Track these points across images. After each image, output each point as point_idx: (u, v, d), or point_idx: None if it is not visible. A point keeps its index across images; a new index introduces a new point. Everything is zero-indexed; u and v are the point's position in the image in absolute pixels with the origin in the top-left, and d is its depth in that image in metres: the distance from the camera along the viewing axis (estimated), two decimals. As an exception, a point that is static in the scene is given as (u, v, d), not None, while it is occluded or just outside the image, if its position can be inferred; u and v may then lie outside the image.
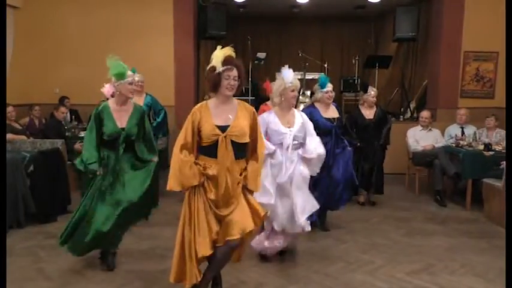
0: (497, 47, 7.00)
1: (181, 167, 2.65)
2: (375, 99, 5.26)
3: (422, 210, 5.25)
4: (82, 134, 6.37)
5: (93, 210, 3.26)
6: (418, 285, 3.26)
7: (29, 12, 6.99)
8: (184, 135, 2.70)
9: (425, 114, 6.13)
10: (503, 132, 5.96)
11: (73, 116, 6.94)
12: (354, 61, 9.49)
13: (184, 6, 7.25)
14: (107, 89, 4.16)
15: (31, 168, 4.53)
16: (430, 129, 6.09)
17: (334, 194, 4.25)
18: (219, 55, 2.69)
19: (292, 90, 3.42)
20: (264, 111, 4.04)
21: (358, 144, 5.04)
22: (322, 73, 4.70)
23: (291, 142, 3.40)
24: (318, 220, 4.15)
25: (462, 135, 5.93)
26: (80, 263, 3.56)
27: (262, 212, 2.81)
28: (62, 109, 5.93)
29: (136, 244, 3.99)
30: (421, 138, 5.96)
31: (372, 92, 5.27)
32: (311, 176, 3.59)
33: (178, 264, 2.76)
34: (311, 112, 4.27)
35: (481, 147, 5.38)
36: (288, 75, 3.43)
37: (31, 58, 7.05)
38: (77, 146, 5.89)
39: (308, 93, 7.49)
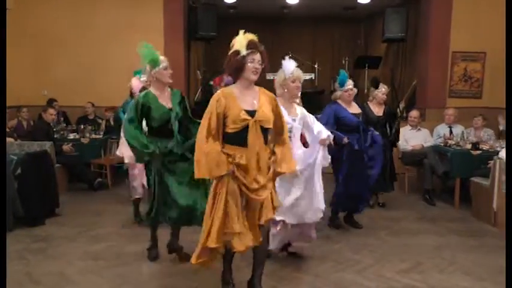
0: (485, 48, 7.09)
1: (209, 154, 2.58)
2: (385, 96, 5.12)
3: (412, 209, 5.29)
4: (71, 135, 6.33)
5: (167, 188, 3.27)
6: (407, 284, 3.28)
7: (19, 14, 6.92)
8: (208, 123, 2.61)
9: (414, 114, 6.17)
10: (490, 132, 6.03)
11: (62, 118, 6.89)
12: (344, 61, 9.55)
13: (175, 7, 7.24)
14: (136, 83, 4.25)
15: (18, 171, 4.47)
16: (419, 129, 6.14)
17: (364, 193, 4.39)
18: (242, 39, 2.64)
19: (293, 81, 3.37)
20: None
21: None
22: (342, 70, 4.59)
23: (299, 129, 3.40)
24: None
25: (450, 134, 5.98)
26: (68, 266, 3.53)
27: (277, 204, 2.83)
28: (51, 111, 5.87)
29: (124, 246, 3.97)
30: (410, 137, 6.01)
31: (383, 88, 5.09)
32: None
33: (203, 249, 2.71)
34: (336, 109, 4.27)
35: (469, 146, 5.44)
36: (289, 66, 3.41)
37: (19, 60, 6.98)
38: (66, 147, 5.87)
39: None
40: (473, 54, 7.16)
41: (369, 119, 4.94)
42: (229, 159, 2.61)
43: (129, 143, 3.28)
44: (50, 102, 6.79)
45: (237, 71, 2.65)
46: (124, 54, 7.02)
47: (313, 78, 9.19)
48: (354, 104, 4.41)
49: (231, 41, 2.71)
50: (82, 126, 6.35)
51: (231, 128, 2.63)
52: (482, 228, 4.59)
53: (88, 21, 7.14)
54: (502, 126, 6.07)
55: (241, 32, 2.67)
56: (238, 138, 2.63)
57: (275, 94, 3.08)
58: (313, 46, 11.20)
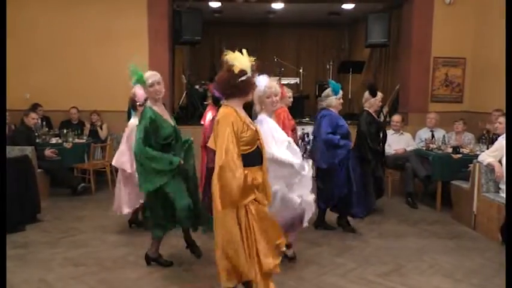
0: (465, 53, 7.24)
1: (243, 180, 2.49)
2: (381, 103, 5.13)
3: (394, 212, 5.36)
4: (53, 140, 6.25)
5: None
6: (388, 286, 3.32)
7: None
8: (232, 145, 2.49)
9: (396, 118, 6.27)
10: (470, 136, 6.15)
11: (44, 123, 6.79)
12: (328, 66, 9.64)
13: (159, 11, 7.21)
14: (140, 92, 4.04)
15: (-2, 176, 4.39)
16: (401, 133, 6.23)
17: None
18: (246, 60, 2.62)
19: (268, 97, 3.33)
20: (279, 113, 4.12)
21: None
22: (330, 79, 4.83)
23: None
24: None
25: (432, 138, 6.09)
26: (48, 273, 3.48)
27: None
28: (32, 115, 5.78)
29: (108, 252, 3.93)
30: (393, 142, 6.08)
31: (379, 96, 4.94)
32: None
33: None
34: (333, 117, 4.29)
35: (450, 150, 5.54)
36: (261, 83, 3.32)
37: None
38: (48, 152, 5.78)
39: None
40: (454, 60, 7.31)
41: (380, 127, 4.94)
42: (254, 182, 2.59)
43: (143, 166, 3.28)
44: (35, 107, 6.69)
45: (243, 91, 2.64)
46: (108, 59, 7.00)
47: (298, 82, 9.25)
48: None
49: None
50: (65, 131, 6.28)
51: (246, 150, 2.59)
52: (461, 231, 4.67)
53: (72, 25, 7.06)
54: (485, 131, 6.06)
55: (237, 51, 2.66)
56: (255, 158, 2.64)
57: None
58: (298, 51, 11.29)
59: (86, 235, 4.38)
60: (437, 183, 5.48)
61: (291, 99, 4.62)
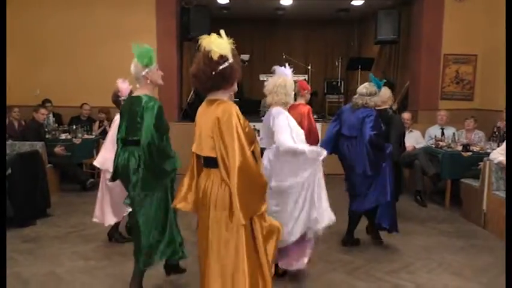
0: (476, 50, 7.16)
1: (263, 184, 2.20)
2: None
3: (403, 210, 5.30)
4: (63, 136, 6.31)
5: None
6: (396, 283, 3.30)
7: (11, 13, 6.85)
8: (242, 146, 2.09)
9: (406, 115, 6.21)
10: (481, 133, 6.09)
11: (54, 118, 6.86)
12: (337, 63, 9.59)
13: (167, 9, 7.24)
14: (124, 86, 3.85)
15: (9, 171, 4.44)
16: (411, 131, 6.18)
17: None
18: (225, 43, 2.17)
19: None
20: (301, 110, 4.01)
21: None
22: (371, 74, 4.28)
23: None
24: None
25: (442, 136, 6.03)
26: (58, 266, 3.52)
27: None
28: (42, 111, 5.84)
29: (116, 246, 3.96)
30: (402, 139, 6.02)
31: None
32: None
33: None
34: (377, 117, 3.80)
35: (460, 148, 5.48)
36: (287, 74, 3.32)
37: (9, 59, 6.92)
38: (58, 149, 5.83)
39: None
40: (465, 57, 7.23)
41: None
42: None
43: (151, 161, 2.78)
44: (45, 102, 6.77)
45: (227, 81, 2.19)
46: (117, 56, 7.01)
47: (306, 79, 9.20)
48: None
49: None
50: (74, 127, 6.33)
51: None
52: (471, 229, 4.63)
53: (81, 23, 7.12)
54: (496, 129, 6.02)
55: (215, 34, 2.20)
56: (254, 158, 2.23)
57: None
58: (307, 48, 11.24)
59: (94, 230, 4.41)
60: (446, 181, 5.43)
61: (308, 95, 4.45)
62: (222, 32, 2.20)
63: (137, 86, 3.03)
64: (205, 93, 2.28)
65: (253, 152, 2.22)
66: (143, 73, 2.91)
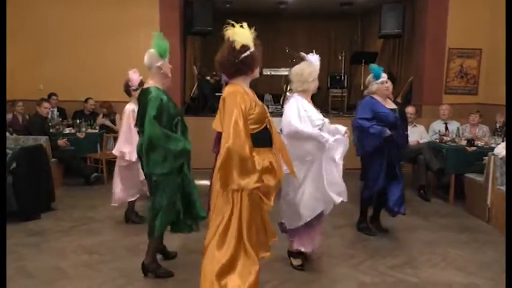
0: (481, 44, 7.10)
1: (253, 161, 2.32)
2: None
3: (407, 204, 5.28)
4: (67, 130, 6.32)
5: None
6: (400, 278, 3.31)
7: (15, 8, 6.86)
8: (242, 123, 2.29)
9: (410, 110, 6.18)
10: (485, 128, 6.05)
11: (58, 113, 6.87)
12: (340, 57, 9.53)
13: (170, 2, 7.20)
14: (135, 77, 4.08)
15: (13, 165, 4.46)
16: (414, 125, 6.16)
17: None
18: (247, 33, 2.41)
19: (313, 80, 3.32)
20: None
21: None
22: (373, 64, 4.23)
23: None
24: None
25: (446, 131, 6.01)
26: (62, 261, 3.53)
27: None
28: (45, 104, 5.84)
29: (119, 241, 3.98)
30: (405, 134, 6.00)
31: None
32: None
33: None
34: (373, 104, 3.94)
35: (464, 142, 5.46)
36: (315, 61, 3.37)
37: (13, 53, 6.93)
38: (61, 142, 5.85)
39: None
40: (470, 51, 7.17)
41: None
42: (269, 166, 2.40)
43: (154, 145, 2.92)
44: (51, 95, 6.78)
45: (248, 68, 2.43)
46: (120, 50, 7.03)
47: (310, 73, 9.17)
48: (388, 99, 4.13)
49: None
50: (78, 121, 6.34)
51: (255, 129, 2.40)
52: (475, 224, 4.62)
53: (84, 17, 7.10)
54: (499, 124, 6.06)
55: (238, 25, 2.43)
56: (264, 138, 2.45)
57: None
58: (310, 42, 11.16)
59: (99, 224, 4.44)
60: (450, 176, 5.42)
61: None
62: (245, 24, 2.44)
63: (149, 79, 3.15)
64: (230, 78, 2.51)
65: (262, 133, 2.42)
66: (158, 64, 3.05)
